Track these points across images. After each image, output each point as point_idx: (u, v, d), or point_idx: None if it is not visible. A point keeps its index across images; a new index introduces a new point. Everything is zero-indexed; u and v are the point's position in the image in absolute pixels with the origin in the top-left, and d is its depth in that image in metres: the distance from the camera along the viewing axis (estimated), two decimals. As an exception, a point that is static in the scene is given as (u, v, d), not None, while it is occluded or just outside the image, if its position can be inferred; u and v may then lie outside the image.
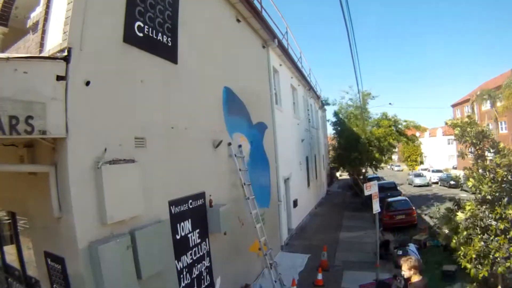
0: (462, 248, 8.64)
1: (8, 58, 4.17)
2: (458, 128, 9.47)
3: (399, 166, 78.02)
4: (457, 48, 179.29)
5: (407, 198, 22.40)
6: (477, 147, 9.23)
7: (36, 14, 6.04)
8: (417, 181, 43.27)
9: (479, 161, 9.11)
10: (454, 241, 9.12)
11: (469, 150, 9.59)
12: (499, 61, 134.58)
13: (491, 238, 8.22)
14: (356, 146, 26.00)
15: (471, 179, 8.95)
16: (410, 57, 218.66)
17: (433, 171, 49.04)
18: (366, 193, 12.31)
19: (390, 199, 22.31)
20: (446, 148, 71.72)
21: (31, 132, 4.28)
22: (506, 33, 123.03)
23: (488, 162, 8.92)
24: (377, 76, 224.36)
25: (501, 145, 8.87)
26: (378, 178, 33.37)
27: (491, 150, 9.05)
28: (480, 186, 8.61)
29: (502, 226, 8.08)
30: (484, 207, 8.67)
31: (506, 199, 8.34)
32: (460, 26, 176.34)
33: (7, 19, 6.76)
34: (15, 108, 4.10)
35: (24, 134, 4.21)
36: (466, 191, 9.67)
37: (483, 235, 8.41)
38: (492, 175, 8.66)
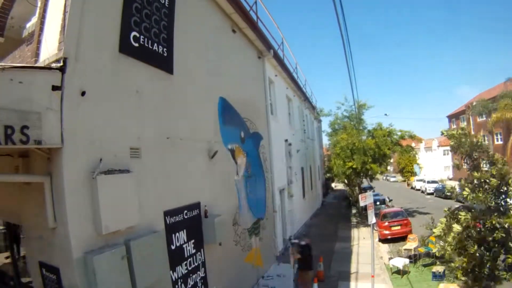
0: (457, 259, 8.65)
1: (3, 68, 4.18)
2: (454, 139, 9.52)
3: (394, 177, 77.42)
4: (454, 57, 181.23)
5: (402, 209, 22.39)
6: (472, 158, 9.27)
7: (32, 24, 6.07)
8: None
9: (474, 172, 9.14)
10: (448, 253, 9.14)
11: (464, 161, 9.63)
12: (496, 73, 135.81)
13: (487, 248, 8.27)
14: (351, 156, 25.98)
15: (466, 189, 8.99)
16: (406, 67, 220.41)
17: (428, 182, 49.02)
18: (361, 203, 12.32)
19: (385, 210, 22.34)
20: (441, 159, 71.83)
21: (26, 142, 4.28)
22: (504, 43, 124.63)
23: (483, 172, 8.95)
24: (372, 86, 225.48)
25: (496, 156, 8.92)
26: (371, 188, 33.33)
27: (486, 161, 9.09)
28: (474, 195, 8.66)
29: (499, 236, 8.12)
30: (480, 218, 8.72)
31: (501, 209, 8.40)
32: (459, 35, 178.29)
33: (2, 29, 6.79)
34: (10, 118, 4.10)
35: (19, 144, 4.21)
36: (460, 202, 9.68)
37: (480, 247, 8.43)
38: (486, 185, 8.71)
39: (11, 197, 6.11)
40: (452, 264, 8.98)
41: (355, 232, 21.63)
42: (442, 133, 10.40)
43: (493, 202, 8.59)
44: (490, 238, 8.28)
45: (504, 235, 8.14)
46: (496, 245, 8.31)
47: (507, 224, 8.10)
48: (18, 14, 6.77)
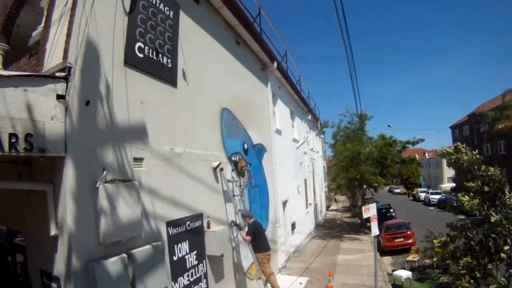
0: (460, 267, 8.69)
1: (8, 76, 4.20)
2: (450, 156, 9.66)
3: (398, 188, 76.59)
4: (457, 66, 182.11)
5: (405, 221, 22.31)
6: (471, 172, 9.37)
7: (38, 32, 6.11)
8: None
9: (470, 182, 9.23)
10: (452, 265, 9.18)
11: (466, 177, 9.76)
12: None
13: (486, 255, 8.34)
14: (355, 166, 25.85)
15: (465, 196, 9.05)
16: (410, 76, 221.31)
17: (431, 193, 48.79)
18: (365, 215, 12.28)
19: (389, 222, 22.28)
20: (445, 170, 71.65)
21: (30, 150, 4.29)
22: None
23: (479, 183, 9.03)
24: (376, 97, 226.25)
25: (491, 169, 8.97)
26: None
27: (483, 174, 9.13)
28: (472, 202, 8.75)
29: (506, 248, 8.16)
30: (480, 228, 8.78)
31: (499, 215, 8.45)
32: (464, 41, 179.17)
33: (8, 37, 6.84)
34: (14, 126, 4.11)
35: (23, 152, 4.22)
36: (463, 213, 9.70)
37: (483, 259, 8.44)
38: (483, 194, 8.81)
39: (14, 204, 6.11)
40: (454, 273, 9.04)
41: (357, 244, 21.48)
42: (439, 153, 10.63)
43: (491, 211, 8.64)
44: (491, 246, 8.34)
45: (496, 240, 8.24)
46: (493, 251, 8.37)
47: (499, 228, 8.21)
48: (24, 22, 6.83)
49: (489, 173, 8.82)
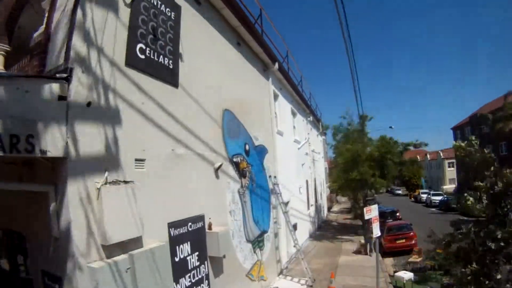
0: (462, 270, 8.64)
1: (10, 77, 4.21)
2: (461, 151, 9.58)
3: (399, 190, 76.36)
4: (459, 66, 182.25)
5: (408, 222, 22.28)
6: (478, 170, 9.29)
7: (39, 34, 6.09)
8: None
9: (479, 182, 9.15)
10: (455, 265, 9.13)
11: (469, 177, 9.69)
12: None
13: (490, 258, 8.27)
14: (356, 167, 25.76)
15: (470, 199, 8.99)
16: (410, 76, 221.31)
17: (433, 194, 48.72)
18: (366, 217, 12.26)
19: (391, 223, 22.22)
20: (447, 172, 71.52)
21: (31, 151, 4.28)
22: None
23: (488, 184, 8.95)
24: (377, 97, 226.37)
25: (504, 171, 8.87)
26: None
27: (491, 174, 9.06)
28: (479, 205, 8.69)
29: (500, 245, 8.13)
30: (484, 230, 8.71)
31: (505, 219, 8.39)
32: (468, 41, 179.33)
33: (10, 38, 6.82)
34: (16, 127, 4.11)
35: (24, 153, 4.21)
36: (464, 214, 9.70)
37: (484, 259, 8.40)
38: (490, 194, 8.73)
39: (15, 205, 6.10)
40: (456, 274, 8.95)
41: (359, 245, 21.44)
42: (454, 147, 10.50)
43: (499, 211, 8.58)
44: (493, 248, 8.26)
45: (504, 244, 8.14)
46: (498, 255, 8.29)
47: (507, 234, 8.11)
48: (26, 23, 6.81)
49: (505, 173, 8.70)
